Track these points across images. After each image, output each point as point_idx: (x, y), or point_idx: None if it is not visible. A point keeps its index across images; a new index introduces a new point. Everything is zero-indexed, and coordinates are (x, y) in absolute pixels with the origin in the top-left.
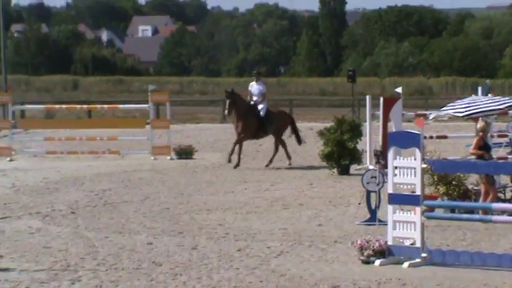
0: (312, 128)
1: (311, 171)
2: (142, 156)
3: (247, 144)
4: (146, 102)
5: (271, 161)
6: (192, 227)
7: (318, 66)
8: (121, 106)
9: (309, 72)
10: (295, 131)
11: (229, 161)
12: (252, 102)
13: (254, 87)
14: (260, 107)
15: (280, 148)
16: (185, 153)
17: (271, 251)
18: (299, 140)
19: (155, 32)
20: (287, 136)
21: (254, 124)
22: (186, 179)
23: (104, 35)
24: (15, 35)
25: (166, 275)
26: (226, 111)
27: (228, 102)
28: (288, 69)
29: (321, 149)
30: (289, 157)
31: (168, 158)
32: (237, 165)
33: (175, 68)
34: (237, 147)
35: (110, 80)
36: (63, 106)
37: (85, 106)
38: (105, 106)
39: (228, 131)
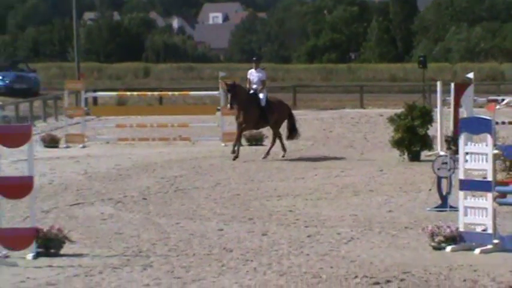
0: (382, 114)
1: (381, 158)
2: (212, 142)
3: (318, 130)
4: (217, 89)
5: (268, 153)
6: (262, 213)
7: (388, 52)
8: (192, 93)
9: (379, 58)
10: (291, 123)
11: (234, 151)
12: (251, 91)
13: (253, 74)
14: (261, 96)
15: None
16: (255, 139)
17: (342, 237)
18: (292, 134)
19: (226, 19)
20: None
21: (256, 114)
22: (257, 165)
23: (175, 23)
24: (88, 22)
25: (237, 261)
26: (228, 105)
27: (229, 95)
28: (359, 55)
29: (391, 135)
30: (284, 149)
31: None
32: (236, 156)
33: (246, 55)
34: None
35: (181, 67)
36: (135, 93)
37: (156, 93)
38: (176, 93)
39: (299, 116)
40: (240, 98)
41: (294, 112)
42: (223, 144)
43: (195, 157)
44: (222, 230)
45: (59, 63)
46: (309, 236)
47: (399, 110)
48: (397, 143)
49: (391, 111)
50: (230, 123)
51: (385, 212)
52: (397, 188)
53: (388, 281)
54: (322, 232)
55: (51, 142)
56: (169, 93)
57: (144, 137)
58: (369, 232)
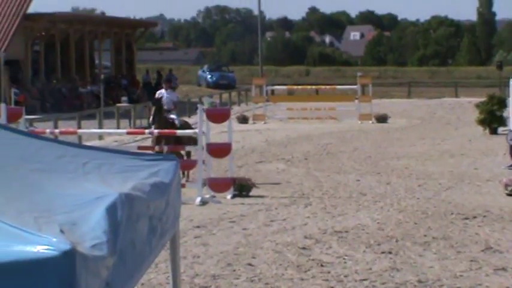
0: (470, 102)
1: (470, 132)
2: (352, 121)
3: (425, 112)
4: (355, 84)
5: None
6: (386, 169)
7: (475, 59)
8: (338, 87)
9: (468, 63)
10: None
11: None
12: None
13: (164, 95)
14: (173, 116)
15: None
16: (382, 118)
17: (442, 186)
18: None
19: (362, 36)
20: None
21: (172, 136)
22: (382, 136)
23: (327, 38)
24: (268, 39)
25: (369, 202)
26: (151, 119)
27: (153, 109)
28: (454, 61)
29: (477, 116)
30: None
31: (370, 122)
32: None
33: (375, 61)
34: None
35: (331, 69)
36: (299, 87)
37: (314, 87)
38: (328, 87)
39: (412, 103)
40: (160, 118)
41: (409, 100)
42: (359, 122)
43: (340, 130)
44: (358, 180)
45: (248, 67)
46: (419, 185)
47: (483, 99)
48: (481, 122)
49: (477, 100)
50: (364, 108)
51: (472, 169)
52: (481, 152)
53: (474, 217)
54: (428, 183)
55: (243, 120)
56: (323, 86)
57: (305, 116)
58: (460, 183)
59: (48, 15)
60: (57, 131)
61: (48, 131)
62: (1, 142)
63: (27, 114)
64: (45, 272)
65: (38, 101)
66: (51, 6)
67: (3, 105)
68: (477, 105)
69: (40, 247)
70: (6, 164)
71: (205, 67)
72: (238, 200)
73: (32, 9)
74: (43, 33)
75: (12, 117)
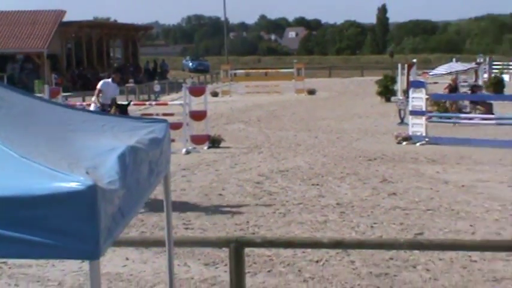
0: (371, 79)
1: (371, 100)
2: (291, 94)
3: (340, 88)
4: (292, 68)
5: None
6: (314, 127)
7: (374, 50)
8: (280, 70)
9: (370, 53)
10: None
11: None
12: (98, 104)
13: (111, 85)
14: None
15: None
16: (311, 92)
17: (353, 138)
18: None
19: (297, 35)
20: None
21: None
22: (312, 104)
23: (272, 37)
24: (231, 37)
25: (303, 150)
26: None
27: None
28: (360, 52)
29: (376, 89)
30: None
31: (303, 94)
32: None
33: (306, 52)
34: None
35: (275, 58)
36: (254, 70)
37: (263, 70)
38: (273, 70)
39: (332, 81)
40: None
41: (329, 79)
42: (296, 95)
43: (282, 100)
44: (296, 135)
45: (218, 57)
46: (337, 138)
47: (380, 77)
48: (379, 93)
49: (376, 78)
50: (299, 85)
51: (373, 126)
52: (379, 114)
53: (375, 159)
54: (343, 136)
55: (215, 94)
56: (270, 70)
57: (258, 91)
58: (365, 136)
59: (77, 22)
60: (84, 103)
61: (78, 103)
62: (45, 111)
63: (63, 92)
64: (75, 201)
65: (71, 83)
66: (79, 16)
67: (46, 86)
68: (376, 82)
69: (72, 183)
70: (48, 126)
71: (188, 58)
72: (211, 150)
73: (65, 19)
74: (73, 35)
75: (53, 94)
